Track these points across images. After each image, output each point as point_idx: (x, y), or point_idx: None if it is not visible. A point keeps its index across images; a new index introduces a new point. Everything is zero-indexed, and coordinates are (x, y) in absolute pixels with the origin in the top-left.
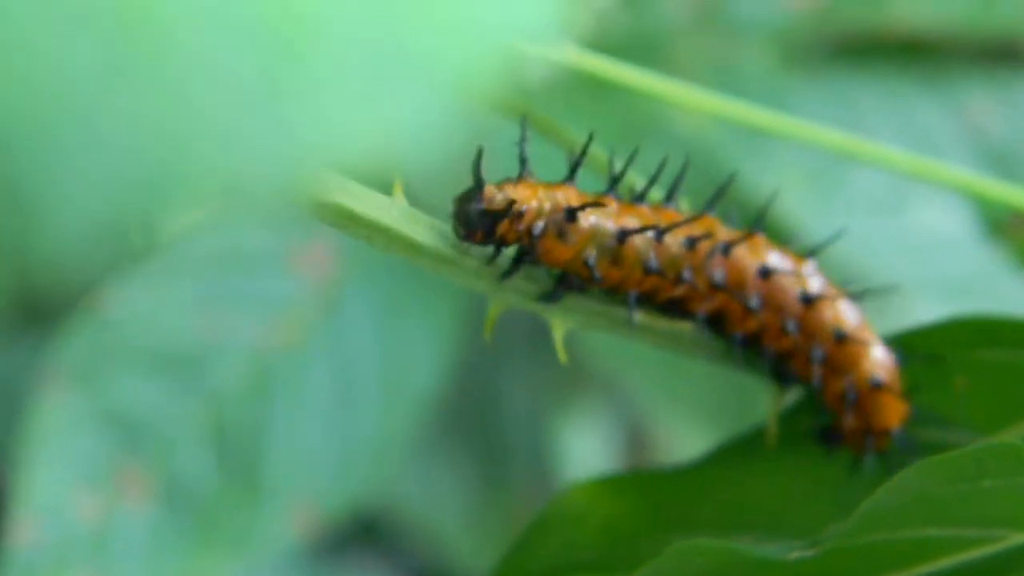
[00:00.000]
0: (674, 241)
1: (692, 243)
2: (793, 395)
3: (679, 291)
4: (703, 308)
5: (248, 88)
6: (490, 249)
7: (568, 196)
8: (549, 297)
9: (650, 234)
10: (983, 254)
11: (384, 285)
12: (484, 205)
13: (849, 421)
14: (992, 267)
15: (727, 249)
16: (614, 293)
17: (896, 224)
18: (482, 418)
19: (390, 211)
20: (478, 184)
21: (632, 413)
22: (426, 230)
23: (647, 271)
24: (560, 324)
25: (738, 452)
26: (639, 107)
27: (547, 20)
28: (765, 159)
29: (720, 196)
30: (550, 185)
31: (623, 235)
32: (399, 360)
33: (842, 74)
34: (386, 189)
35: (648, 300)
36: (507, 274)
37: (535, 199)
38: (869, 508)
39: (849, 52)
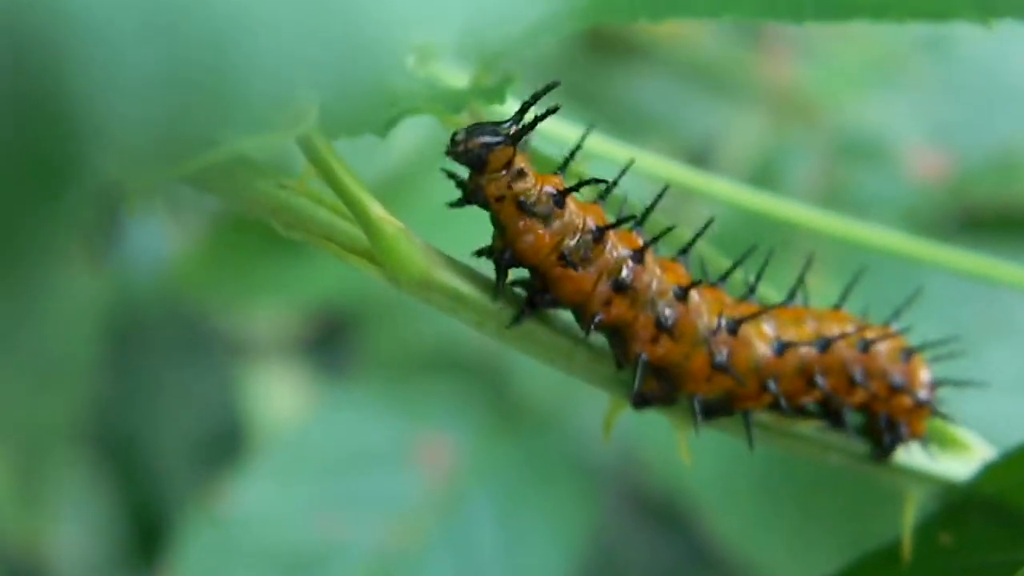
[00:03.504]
0: (657, 274)
1: (683, 293)
2: (927, 506)
3: (662, 343)
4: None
5: None
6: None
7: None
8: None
9: (629, 252)
10: None
11: (504, 479)
12: (500, 130)
13: (898, 405)
14: None
15: (733, 326)
16: (580, 313)
17: None
18: None
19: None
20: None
21: None
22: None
23: (617, 287)
24: (682, 425)
25: (869, 570)
26: None
27: None
28: None
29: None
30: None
31: (600, 231)
32: (522, 557)
33: (972, 248)
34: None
35: (617, 333)
36: (499, 281)
37: (538, 178)
38: None
39: (978, 225)
